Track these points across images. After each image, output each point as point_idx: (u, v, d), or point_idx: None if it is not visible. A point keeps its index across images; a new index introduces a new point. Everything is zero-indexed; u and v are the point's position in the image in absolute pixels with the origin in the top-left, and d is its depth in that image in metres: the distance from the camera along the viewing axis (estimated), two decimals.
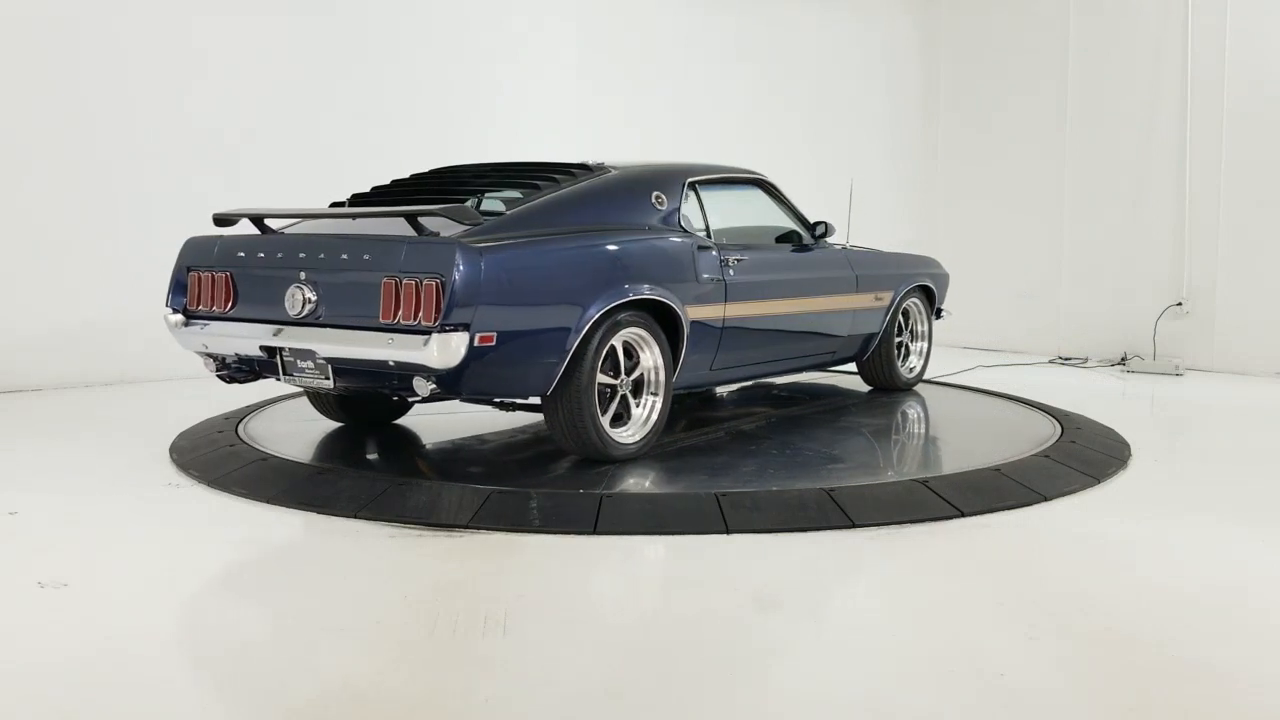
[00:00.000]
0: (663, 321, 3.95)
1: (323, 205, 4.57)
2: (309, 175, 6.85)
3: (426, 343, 3.26)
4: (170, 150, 6.44)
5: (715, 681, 2.12)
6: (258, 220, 3.93)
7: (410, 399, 3.72)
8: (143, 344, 6.40)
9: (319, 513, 3.33)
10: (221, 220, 3.95)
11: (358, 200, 4.35)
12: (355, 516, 3.28)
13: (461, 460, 4.10)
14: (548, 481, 3.61)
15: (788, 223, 4.97)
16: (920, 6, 9.33)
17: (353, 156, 7.00)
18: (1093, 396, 5.88)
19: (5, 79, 5.90)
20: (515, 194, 3.98)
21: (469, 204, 3.86)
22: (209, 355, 3.97)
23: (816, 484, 3.52)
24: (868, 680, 2.14)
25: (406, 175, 4.67)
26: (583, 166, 4.21)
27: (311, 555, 2.99)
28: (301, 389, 4.18)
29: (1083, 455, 4.03)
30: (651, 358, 3.95)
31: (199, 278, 3.90)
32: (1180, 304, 7.41)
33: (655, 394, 3.97)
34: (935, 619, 2.48)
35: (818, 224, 5.02)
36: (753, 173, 4.95)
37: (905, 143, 9.39)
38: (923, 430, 4.98)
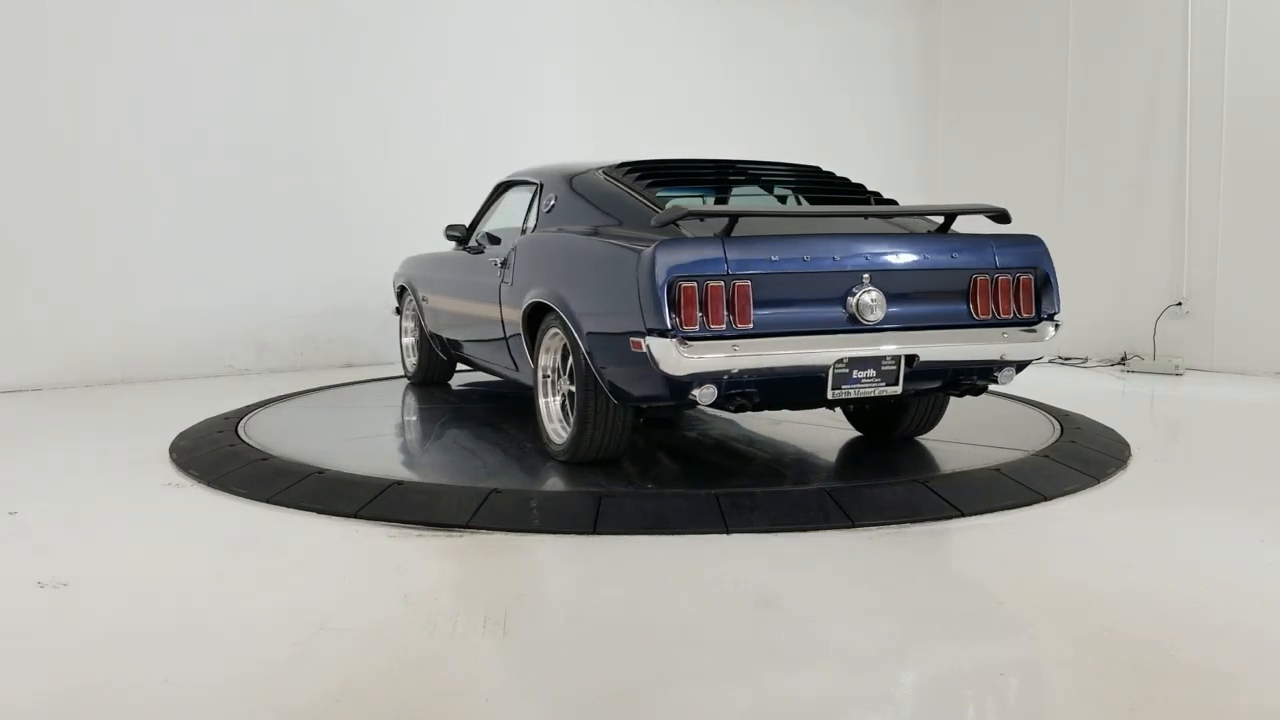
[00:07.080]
0: None
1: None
2: (314, 184, 6.85)
3: (1048, 334, 3.59)
4: (172, 154, 6.44)
5: (715, 681, 2.12)
6: (731, 220, 3.38)
7: (974, 390, 3.75)
8: (142, 343, 6.40)
9: (319, 513, 3.34)
10: (667, 221, 3.38)
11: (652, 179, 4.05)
12: (355, 516, 3.28)
13: (462, 459, 4.10)
14: (548, 481, 3.61)
15: None
16: (921, 6, 9.32)
17: (362, 170, 7.01)
18: (1093, 396, 5.87)
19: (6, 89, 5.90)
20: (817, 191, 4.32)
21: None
22: (713, 380, 3.28)
23: (816, 484, 3.52)
24: (867, 680, 2.14)
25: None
26: (807, 167, 4.57)
27: (311, 555, 2.99)
28: (844, 402, 3.57)
29: (1083, 455, 4.03)
30: None
31: (697, 289, 3.21)
32: (1180, 304, 7.40)
33: None
34: (935, 619, 2.48)
35: None
36: None
37: (905, 143, 9.39)
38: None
